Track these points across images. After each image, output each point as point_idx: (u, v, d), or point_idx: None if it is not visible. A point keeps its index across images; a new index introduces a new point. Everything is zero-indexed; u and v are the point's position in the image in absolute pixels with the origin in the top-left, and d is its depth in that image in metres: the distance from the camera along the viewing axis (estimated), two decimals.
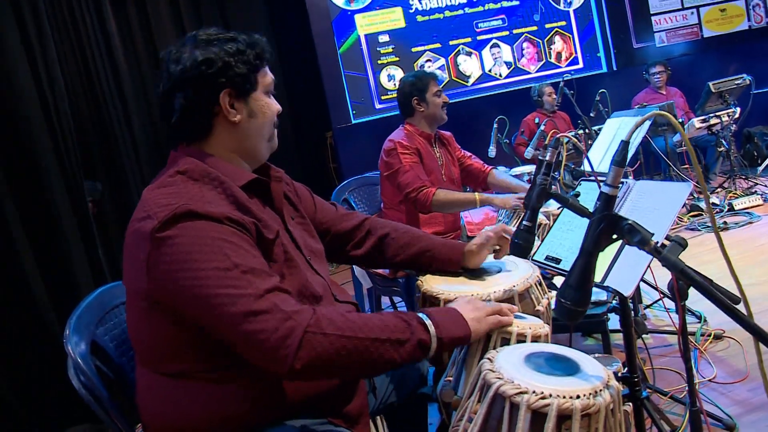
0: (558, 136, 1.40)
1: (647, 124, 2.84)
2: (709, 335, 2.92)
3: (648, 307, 3.38)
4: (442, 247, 1.72)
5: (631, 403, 1.87)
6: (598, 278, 1.73)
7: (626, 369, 1.92)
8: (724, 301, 0.94)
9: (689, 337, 2.91)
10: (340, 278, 5.09)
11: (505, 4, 6.69)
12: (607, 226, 1.04)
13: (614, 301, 2.29)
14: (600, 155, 3.07)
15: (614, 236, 1.05)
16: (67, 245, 3.42)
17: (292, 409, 1.29)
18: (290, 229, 1.46)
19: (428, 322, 1.24)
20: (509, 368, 1.04)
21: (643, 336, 2.99)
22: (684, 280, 0.95)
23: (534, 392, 0.97)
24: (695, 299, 3.03)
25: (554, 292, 1.81)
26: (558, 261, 1.87)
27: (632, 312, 3.11)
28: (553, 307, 1.61)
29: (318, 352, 1.13)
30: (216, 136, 1.37)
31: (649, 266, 1.60)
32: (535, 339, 1.30)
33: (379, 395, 1.64)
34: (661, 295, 3.21)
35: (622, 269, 1.68)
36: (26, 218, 3.37)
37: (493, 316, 1.30)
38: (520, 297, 1.58)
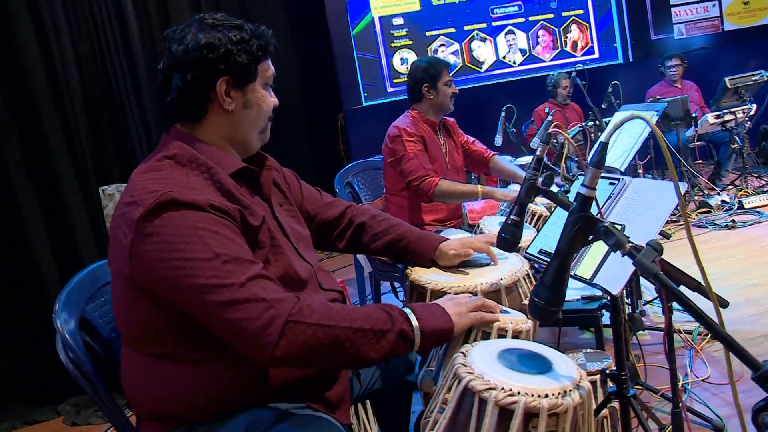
0: (550, 131, 1.38)
1: (645, 130, 2.81)
2: (706, 335, 2.90)
3: (648, 303, 3.36)
4: (417, 241, 1.74)
5: (618, 401, 1.87)
6: (587, 275, 1.72)
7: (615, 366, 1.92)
8: (695, 308, 0.94)
9: (686, 335, 2.91)
10: (342, 262, 5.12)
11: None
12: (583, 227, 1.04)
13: (607, 298, 2.27)
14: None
15: (590, 238, 1.04)
16: (71, 219, 3.47)
17: (272, 392, 1.30)
18: (278, 216, 1.46)
19: (410, 314, 1.25)
20: (481, 363, 1.04)
21: (640, 333, 2.99)
22: (657, 284, 0.94)
23: (502, 389, 0.97)
24: (694, 296, 3.00)
25: None
26: (550, 255, 1.86)
27: (630, 308, 3.11)
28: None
29: (299, 341, 1.15)
30: (209, 121, 1.38)
31: None
32: (516, 334, 1.29)
33: (364, 381, 1.65)
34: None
35: (612, 267, 1.66)
36: (37, 196, 3.43)
37: (476, 312, 1.30)
38: (507, 290, 1.58)
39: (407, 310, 1.27)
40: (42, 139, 3.42)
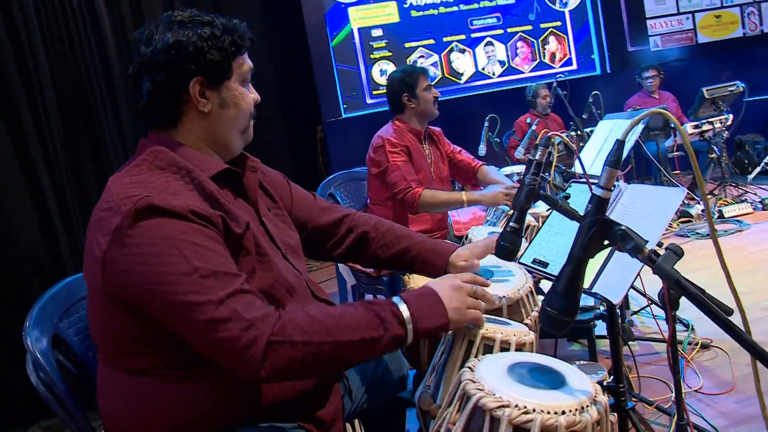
0: (549, 134, 1.33)
1: (641, 126, 2.79)
2: (696, 344, 2.87)
3: (635, 313, 3.33)
4: (427, 252, 1.64)
5: (616, 414, 1.81)
6: (586, 284, 1.67)
7: (612, 378, 1.87)
8: (720, 315, 0.88)
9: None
10: (325, 274, 5.02)
11: (501, 2, 6.63)
12: (599, 230, 0.98)
13: (602, 308, 2.23)
14: (591, 157, 3.02)
15: (606, 242, 0.98)
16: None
17: (259, 411, 1.22)
18: (264, 221, 1.38)
19: (404, 312, 1.19)
20: (491, 379, 0.97)
21: (630, 343, 2.95)
22: (679, 291, 0.89)
23: (516, 406, 0.90)
24: (683, 307, 2.97)
25: (540, 298, 1.75)
26: (545, 265, 1.81)
27: (619, 318, 3.07)
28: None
29: (284, 360, 1.08)
30: (185, 124, 1.30)
31: (638, 273, 1.54)
32: (520, 347, 1.23)
33: (355, 399, 1.57)
34: (650, 302, 3.16)
35: (611, 276, 1.62)
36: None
37: (474, 311, 1.25)
38: (510, 308, 1.51)
39: (399, 304, 1.20)
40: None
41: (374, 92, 6.38)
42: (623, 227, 0.95)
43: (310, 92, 6.28)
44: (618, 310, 3.02)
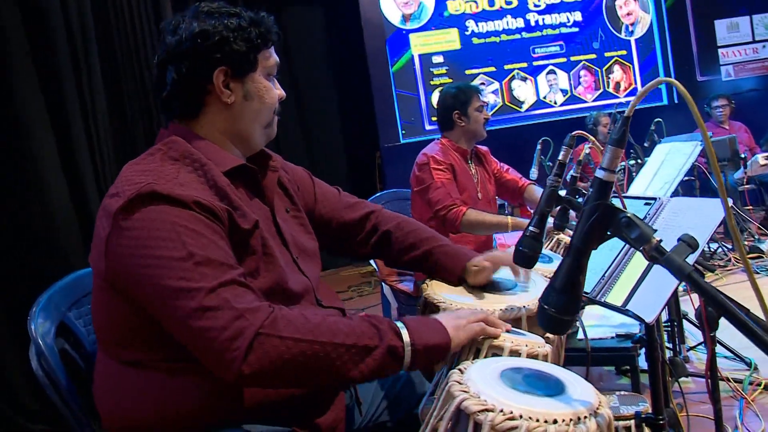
0: (574, 133, 1.25)
1: (697, 149, 2.64)
2: (759, 384, 2.65)
3: (692, 348, 3.11)
4: (446, 256, 1.57)
5: None
6: (619, 302, 1.56)
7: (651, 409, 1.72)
8: (747, 324, 0.77)
9: (736, 384, 2.67)
10: (373, 300, 4.97)
11: (564, 30, 6.53)
12: (601, 217, 0.88)
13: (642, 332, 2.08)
14: (647, 181, 2.90)
15: (609, 232, 0.89)
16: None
17: (253, 411, 1.17)
18: (279, 222, 1.35)
19: (401, 328, 1.12)
20: (479, 381, 0.89)
21: (683, 380, 2.75)
22: (691, 286, 0.78)
23: (501, 411, 0.82)
24: (746, 344, 2.77)
25: None
26: None
27: (671, 352, 2.89)
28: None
29: (270, 357, 1.03)
30: (207, 115, 1.29)
31: (675, 291, 1.42)
32: (531, 358, 1.14)
33: (368, 412, 1.50)
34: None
35: (646, 293, 1.51)
36: None
37: (478, 323, 1.16)
38: (529, 319, 1.41)
39: (399, 324, 1.13)
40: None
41: (433, 118, 6.34)
42: (628, 214, 0.85)
43: (369, 117, 6.31)
44: (670, 344, 2.87)
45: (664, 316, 3.01)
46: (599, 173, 0.90)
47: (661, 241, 0.82)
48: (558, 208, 1.42)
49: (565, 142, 1.28)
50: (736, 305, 0.78)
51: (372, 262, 3.10)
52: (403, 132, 6.33)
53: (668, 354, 2.86)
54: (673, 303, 2.81)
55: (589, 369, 2.16)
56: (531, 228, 1.26)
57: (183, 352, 1.11)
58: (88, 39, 3.58)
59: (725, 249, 4.73)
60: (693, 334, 3.23)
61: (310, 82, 6.31)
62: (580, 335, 1.91)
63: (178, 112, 1.30)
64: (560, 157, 1.27)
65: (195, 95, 1.27)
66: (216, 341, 1.02)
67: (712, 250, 4.77)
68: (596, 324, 2.26)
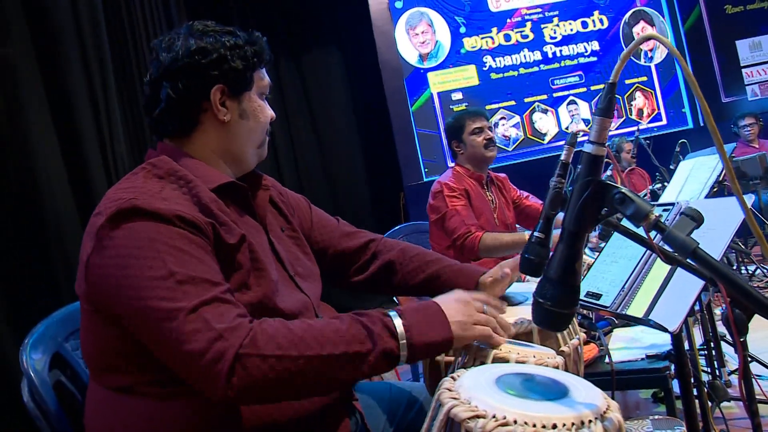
0: (576, 131, 1.20)
1: (719, 166, 2.56)
2: None
3: (733, 372, 2.96)
4: (455, 274, 1.51)
5: None
6: (640, 313, 1.48)
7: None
8: (755, 296, 0.71)
9: None
10: None
11: (582, 60, 6.52)
12: (593, 195, 0.82)
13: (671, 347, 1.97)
14: (673, 197, 2.84)
15: (603, 211, 0.82)
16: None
17: None
18: (273, 240, 1.31)
19: (397, 325, 1.06)
20: (471, 386, 0.82)
21: (725, 404, 2.60)
22: (697, 263, 0.72)
23: (494, 417, 0.75)
24: None
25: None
26: (598, 297, 1.63)
27: (710, 376, 2.74)
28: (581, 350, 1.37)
29: (254, 377, 0.97)
30: (201, 133, 1.27)
31: (699, 297, 1.34)
32: None
33: (374, 428, 1.42)
34: (750, 359, 2.81)
35: (668, 301, 1.43)
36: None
37: (483, 327, 1.10)
38: (541, 333, 1.34)
39: (393, 317, 1.08)
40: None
41: None
42: (622, 189, 0.79)
43: (392, 157, 6.32)
44: (708, 368, 2.72)
45: (700, 339, 2.88)
46: (588, 147, 0.84)
47: (660, 216, 0.75)
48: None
49: (566, 141, 1.23)
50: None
51: (395, 299, 3.05)
52: (426, 170, 6.31)
53: (706, 378, 2.72)
54: (708, 324, 2.68)
55: (614, 392, 2.06)
56: (536, 234, 1.20)
57: (172, 375, 1.06)
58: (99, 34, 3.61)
59: (764, 271, 4.56)
60: (733, 357, 3.07)
61: (332, 125, 6.37)
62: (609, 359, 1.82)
63: (171, 129, 1.28)
64: (562, 158, 1.22)
65: (190, 112, 1.25)
66: (198, 365, 0.97)
67: (750, 272, 4.61)
68: (625, 346, 2.15)
